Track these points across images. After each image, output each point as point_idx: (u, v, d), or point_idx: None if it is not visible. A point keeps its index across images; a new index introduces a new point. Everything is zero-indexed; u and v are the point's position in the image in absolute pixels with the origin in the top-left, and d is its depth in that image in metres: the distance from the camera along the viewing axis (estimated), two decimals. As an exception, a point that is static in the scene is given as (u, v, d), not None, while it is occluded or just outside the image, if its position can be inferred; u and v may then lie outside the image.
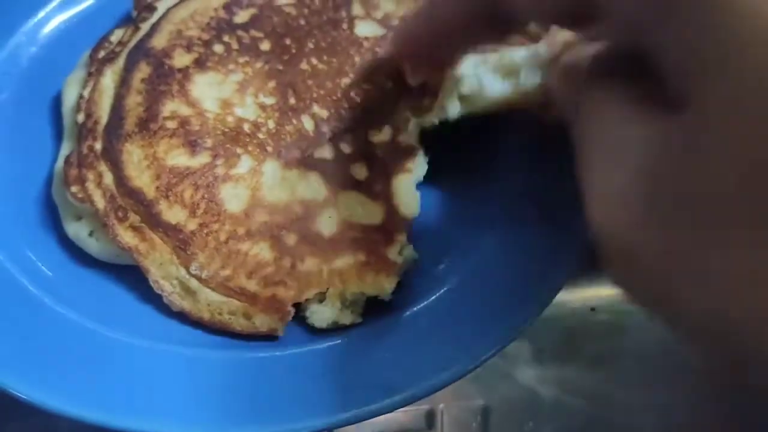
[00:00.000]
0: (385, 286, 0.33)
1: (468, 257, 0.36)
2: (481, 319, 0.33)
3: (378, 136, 0.38)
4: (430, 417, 0.43)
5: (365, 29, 0.42)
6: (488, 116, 0.36)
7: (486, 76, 0.35)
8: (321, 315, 0.33)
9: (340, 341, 0.33)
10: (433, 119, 0.36)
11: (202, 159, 0.36)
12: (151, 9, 0.42)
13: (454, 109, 0.35)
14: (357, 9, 0.43)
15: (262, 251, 0.34)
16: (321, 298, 0.33)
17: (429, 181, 0.38)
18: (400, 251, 0.35)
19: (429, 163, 0.38)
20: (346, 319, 0.33)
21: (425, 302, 0.34)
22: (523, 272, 0.34)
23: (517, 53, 0.34)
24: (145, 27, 0.41)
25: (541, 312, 0.33)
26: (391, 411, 0.31)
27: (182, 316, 0.33)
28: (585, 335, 0.47)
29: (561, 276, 0.34)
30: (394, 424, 0.43)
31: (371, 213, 0.36)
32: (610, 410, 0.45)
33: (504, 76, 0.35)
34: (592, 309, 0.47)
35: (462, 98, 0.35)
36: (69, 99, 0.39)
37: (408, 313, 0.34)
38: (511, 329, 0.32)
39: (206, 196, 0.35)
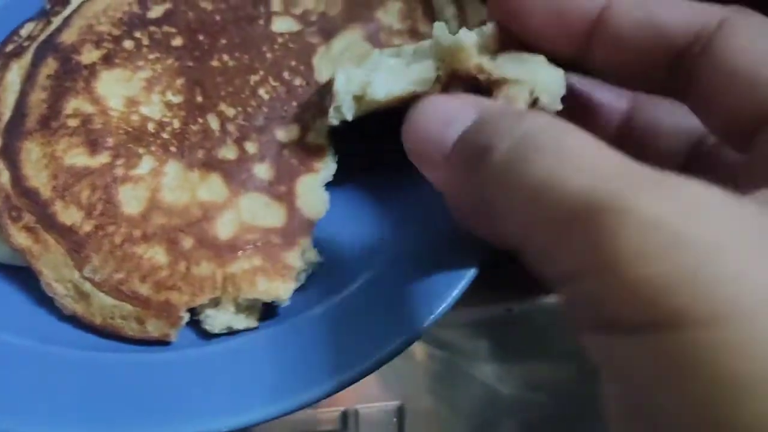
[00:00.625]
0: (279, 292, 0.33)
1: (373, 260, 0.35)
2: (383, 323, 0.33)
3: (285, 135, 0.37)
4: (344, 418, 0.43)
5: (282, 25, 0.42)
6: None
7: (376, 73, 0.34)
8: (215, 320, 0.33)
9: (234, 344, 0.33)
10: (331, 120, 0.35)
11: (102, 159, 0.35)
12: (65, 2, 0.41)
13: (348, 110, 0.35)
14: (276, 5, 0.43)
15: (158, 255, 0.33)
16: (215, 302, 0.33)
17: (339, 181, 0.38)
18: (301, 255, 0.34)
19: (339, 163, 0.37)
20: (241, 324, 0.33)
21: (325, 306, 0.34)
22: (429, 274, 0.34)
23: (414, 45, 0.34)
24: (56, 21, 0.41)
25: (446, 310, 0.33)
26: (280, 416, 0.31)
27: (75, 320, 0.33)
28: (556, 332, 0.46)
29: (468, 275, 0.34)
30: (309, 425, 0.43)
31: (273, 215, 0.35)
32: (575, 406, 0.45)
33: (395, 71, 0.34)
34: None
35: (356, 98, 0.34)
36: (-26, 94, 0.39)
37: (306, 317, 0.33)
38: (411, 334, 0.32)
39: (103, 197, 0.34)
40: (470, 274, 0.34)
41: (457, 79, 0.32)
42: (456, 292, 0.33)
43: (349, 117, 0.35)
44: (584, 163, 0.20)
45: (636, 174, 0.20)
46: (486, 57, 0.31)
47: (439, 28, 0.33)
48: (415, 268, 0.34)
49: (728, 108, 0.26)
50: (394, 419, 0.43)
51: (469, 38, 0.31)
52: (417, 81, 0.33)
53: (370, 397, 0.43)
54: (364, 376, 0.32)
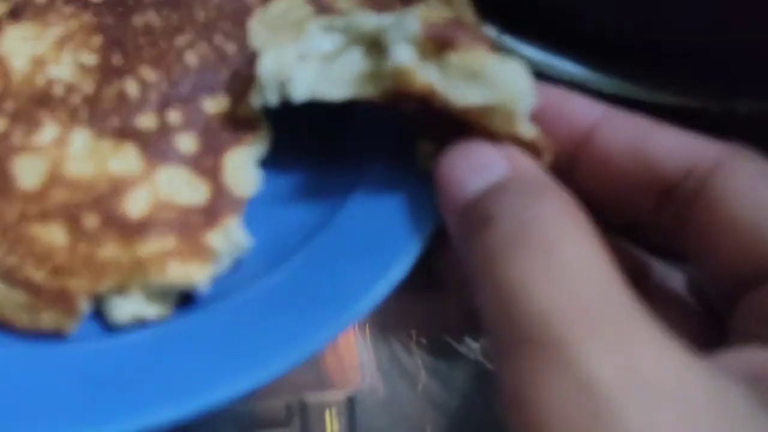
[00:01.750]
0: (193, 277, 0.29)
1: (311, 237, 0.31)
2: (312, 311, 0.29)
3: (214, 105, 0.33)
4: (290, 410, 0.39)
5: (216, -20, 0.37)
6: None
7: (298, 68, 0.29)
8: (120, 309, 0.29)
9: (142, 337, 0.29)
10: (253, 103, 0.31)
11: (-2, 126, 0.31)
12: (-27, -49, 0.37)
13: (272, 97, 0.30)
14: (212, -44, 0.38)
15: (56, 236, 0.29)
16: (122, 289, 0.29)
17: (274, 158, 0.33)
18: (226, 236, 0.30)
19: (275, 137, 0.33)
20: (152, 312, 0.29)
21: (250, 292, 0.30)
22: (365, 261, 0.30)
23: (345, 20, 0.30)
24: (-39, -29, 0.36)
25: (381, 298, 0.29)
26: (195, 418, 0.27)
27: (-41, 310, 0.29)
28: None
29: (407, 260, 0.30)
30: (253, 418, 0.39)
31: (195, 192, 0.31)
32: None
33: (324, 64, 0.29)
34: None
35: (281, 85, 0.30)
36: None
37: (226, 304, 0.29)
38: (342, 322, 0.28)
39: (-3, 169, 0.30)
40: (409, 260, 0.30)
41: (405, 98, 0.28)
42: (394, 278, 0.29)
43: (274, 103, 0.31)
44: (562, 286, 0.20)
45: (597, 316, 0.19)
46: (431, 71, 0.27)
47: (362, 18, 0.29)
48: (349, 255, 0.30)
49: (721, 259, 0.25)
50: (345, 409, 0.39)
51: (406, 56, 0.27)
52: (347, 82, 0.29)
53: (316, 385, 0.39)
54: (290, 368, 0.28)
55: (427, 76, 0.27)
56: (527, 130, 0.27)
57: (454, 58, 0.28)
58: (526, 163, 0.27)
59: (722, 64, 0.45)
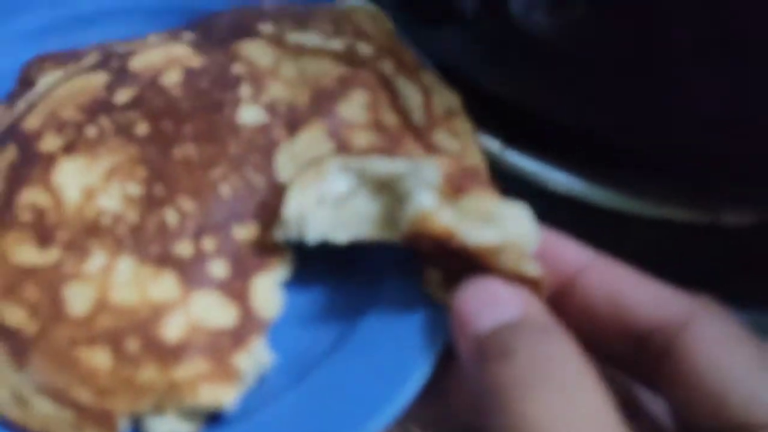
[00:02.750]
0: (222, 400, 0.32)
1: (327, 356, 0.34)
2: (336, 421, 0.32)
3: (243, 233, 0.37)
4: None
5: (249, 115, 0.41)
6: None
7: (312, 215, 0.34)
8: (156, 428, 0.32)
9: None
10: (277, 236, 0.35)
11: (52, 255, 0.35)
12: (31, 85, 0.41)
13: (295, 235, 0.35)
14: (245, 91, 0.42)
15: (101, 359, 0.32)
16: (158, 409, 0.32)
17: (298, 276, 0.37)
18: (251, 357, 0.33)
19: (299, 259, 0.37)
20: (184, 430, 0.32)
21: (273, 409, 0.33)
22: (384, 377, 0.33)
23: (381, 166, 0.34)
24: (21, 105, 0.41)
25: (400, 412, 0.32)
26: None
27: (11, 426, 0.32)
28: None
29: (419, 378, 0.32)
30: None
31: (225, 316, 0.34)
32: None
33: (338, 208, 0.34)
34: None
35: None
36: (-66, 180, 0.38)
37: (251, 423, 0.32)
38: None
39: (50, 296, 0.33)
40: (421, 378, 0.33)
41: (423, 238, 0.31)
42: (408, 395, 0.32)
43: (294, 240, 0.35)
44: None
45: None
46: (449, 214, 0.30)
47: (377, 162, 0.34)
48: (364, 373, 0.33)
49: (689, 411, 0.27)
50: None
51: (428, 202, 0.31)
52: (356, 226, 0.33)
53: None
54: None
55: (445, 219, 0.31)
56: (532, 268, 0.31)
57: (467, 202, 0.31)
58: (536, 304, 0.30)
59: (709, 177, 0.48)
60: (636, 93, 0.44)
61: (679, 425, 0.30)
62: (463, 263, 0.32)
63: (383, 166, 0.34)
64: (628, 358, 0.30)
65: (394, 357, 0.33)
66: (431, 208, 0.31)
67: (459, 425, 0.44)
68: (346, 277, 0.38)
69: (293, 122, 0.41)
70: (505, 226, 0.30)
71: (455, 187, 0.32)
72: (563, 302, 0.31)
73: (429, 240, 0.31)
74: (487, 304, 0.29)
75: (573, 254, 0.32)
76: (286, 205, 0.35)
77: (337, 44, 0.44)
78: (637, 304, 0.29)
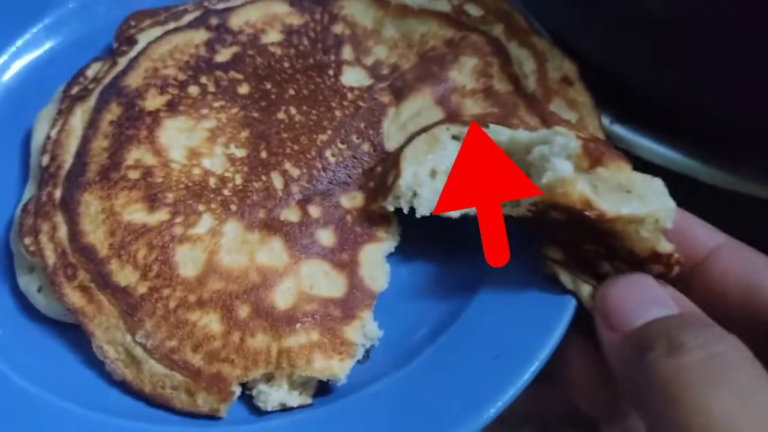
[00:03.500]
0: (336, 371, 0.31)
1: (435, 337, 0.33)
2: (435, 414, 0.30)
3: (349, 202, 0.36)
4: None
5: (352, 77, 0.40)
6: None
7: (424, 188, 0.33)
8: (268, 397, 0.31)
9: (287, 423, 0.31)
10: (387, 205, 0.34)
11: (161, 216, 0.34)
12: (132, 42, 0.41)
13: (406, 205, 0.34)
14: (347, 52, 0.41)
15: (212, 323, 0.32)
16: (269, 377, 0.31)
17: (402, 250, 0.36)
18: (361, 329, 0.32)
19: (403, 233, 0.36)
20: (294, 401, 0.31)
21: (377, 388, 0.31)
22: (486, 366, 0.31)
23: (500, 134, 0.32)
24: (122, 62, 0.40)
25: (515, 396, 0.30)
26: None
27: (123, 386, 0.32)
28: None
29: (541, 353, 0.31)
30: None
31: (334, 285, 0.33)
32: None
33: None
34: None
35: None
36: (38, 137, 0.38)
37: (358, 398, 0.31)
38: (475, 420, 0.30)
39: (160, 257, 0.33)
40: (539, 364, 0.31)
41: (554, 208, 0.30)
42: (524, 382, 0.31)
43: (406, 210, 0.34)
44: None
45: None
46: (586, 183, 0.29)
47: (495, 131, 0.32)
48: (480, 347, 0.32)
49: None
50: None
51: (567, 169, 0.29)
52: None
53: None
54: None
55: (583, 188, 0.29)
56: (665, 243, 0.29)
57: (603, 172, 0.29)
58: (689, 303, 0.29)
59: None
60: (750, 71, 0.41)
61: None
62: (587, 238, 0.30)
63: (506, 135, 0.32)
64: (755, 343, 0.29)
65: (510, 338, 0.32)
66: (570, 175, 0.29)
67: (562, 414, 0.42)
68: (456, 253, 0.36)
69: (399, 87, 0.39)
70: (646, 198, 0.29)
71: (592, 158, 0.30)
72: (692, 283, 0.30)
73: (562, 210, 0.29)
74: (641, 299, 0.28)
75: (705, 235, 0.31)
76: (400, 176, 0.33)
77: (443, 5, 0.42)
78: None
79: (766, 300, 0.29)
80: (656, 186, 0.29)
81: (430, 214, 0.33)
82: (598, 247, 0.30)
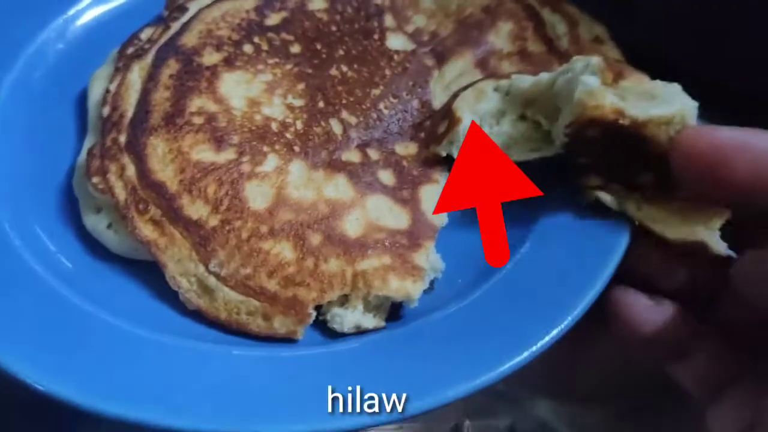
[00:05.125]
0: (410, 291, 0.32)
1: (493, 271, 0.34)
2: (506, 333, 0.31)
3: (403, 149, 0.37)
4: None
5: (396, 42, 0.42)
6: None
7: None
8: (343, 318, 0.32)
9: (358, 345, 0.31)
10: (441, 150, 0.36)
11: (228, 155, 0.35)
12: (183, 9, 0.42)
13: (456, 150, 0.36)
14: (389, 20, 0.43)
15: (285, 250, 0.32)
16: (343, 301, 0.32)
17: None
18: (426, 258, 0.33)
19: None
20: (369, 323, 0.32)
21: (447, 312, 0.32)
22: (550, 290, 0.32)
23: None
24: (175, 26, 0.41)
25: (569, 327, 0.32)
26: (403, 421, 0.29)
27: (198, 315, 0.32)
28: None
29: (590, 293, 0.32)
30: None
31: (398, 217, 0.35)
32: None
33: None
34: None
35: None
36: (95, 93, 0.39)
37: (429, 320, 0.32)
38: (535, 343, 0.31)
39: (230, 192, 0.34)
40: (598, 286, 0.32)
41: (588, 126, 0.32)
42: (583, 305, 0.32)
43: (455, 156, 0.36)
44: None
45: None
46: (614, 95, 0.31)
47: (519, 79, 0.35)
48: (540, 276, 0.33)
49: None
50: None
51: (594, 82, 0.31)
52: (509, 147, 0.35)
53: (481, 412, 0.41)
54: (490, 385, 0.30)
55: (611, 98, 0.31)
56: None
57: (627, 84, 0.32)
58: None
59: None
60: None
61: None
62: (622, 152, 0.32)
63: (528, 80, 0.35)
64: None
65: (571, 265, 0.33)
66: (599, 87, 0.31)
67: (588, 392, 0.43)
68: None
69: (440, 51, 0.41)
70: (670, 100, 0.31)
71: (615, 73, 0.32)
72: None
73: (597, 125, 0.31)
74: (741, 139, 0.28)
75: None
76: (460, 122, 0.35)
77: (477, -24, 0.44)
78: None
79: None
80: (676, 89, 0.32)
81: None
82: (633, 160, 0.32)
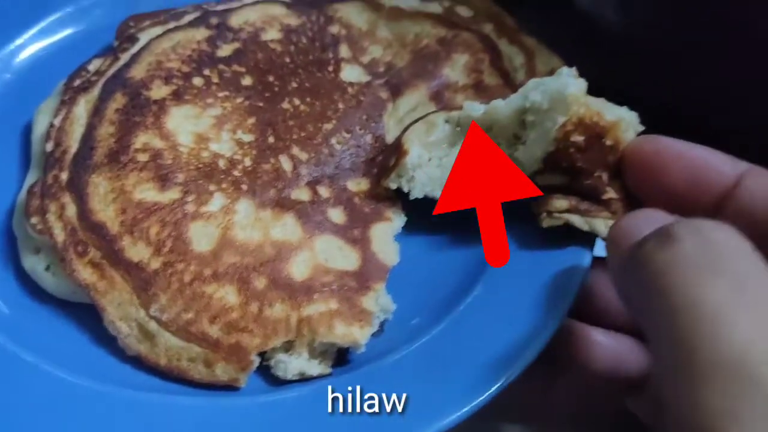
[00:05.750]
0: (357, 337, 0.31)
1: (447, 311, 0.34)
2: (456, 380, 0.31)
3: (355, 186, 0.37)
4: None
5: (351, 74, 0.41)
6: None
7: (420, 170, 0.35)
8: (287, 365, 0.31)
9: (303, 393, 0.31)
10: (390, 183, 0.36)
11: (172, 195, 0.34)
12: (133, 39, 0.41)
13: (404, 186, 0.35)
14: (344, 51, 0.42)
15: (228, 295, 0.32)
16: (288, 347, 0.31)
17: (408, 230, 0.37)
18: (376, 300, 0.33)
19: (409, 214, 0.37)
20: (314, 370, 0.31)
21: (396, 356, 0.32)
22: (503, 333, 0.32)
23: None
24: (124, 57, 0.40)
25: (521, 370, 0.31)
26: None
27: (137, 361, 0.31)
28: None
29: (544, 334, 0.32)
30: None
31: (348, 258, 0.34)
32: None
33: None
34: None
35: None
36: (39, 127, 0.38)
37: (378, 366, 0.31)
38: (486, 391, 0.30)
39: (173, 233, 0.33)
40: (551, 326, 0.32)
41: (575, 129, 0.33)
42: (536, 347, 0.31)
43: (405, 190, 0.35)
44: (761, 324, 0.21)
45: None
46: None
47: (470, 107, 0.35)
48: (491, 319, 0.33)
49: None
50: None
51: (582, 83, 0.33)
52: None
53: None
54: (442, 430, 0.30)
55: (592, 102, 0.33)
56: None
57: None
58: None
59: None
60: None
61: None
62: (596, 160, 0.33)
63: (479, 108, 0.35)
64: None
65: (521, 307, 0.33)
66: (584, 91, 0.33)
67: (560, 416, 0.43)
68: (465, 228, 0.37)
69: (395, 84, 0.41)
70: (615, 110, 0.33)
71: None
72: (723, 212, 0.30)
73: (581, 129, 0.32)
74: (647, 219, 0.28)
75: (728, 164, 0.31)
76: (407, 155, 0.35)
77: (435, 7, 0.44)
78: None
79: None
80: (614, 105, 0.34)
81: (423, 197, 0.35)
82: (603, 169, 0.33)
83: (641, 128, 0.33)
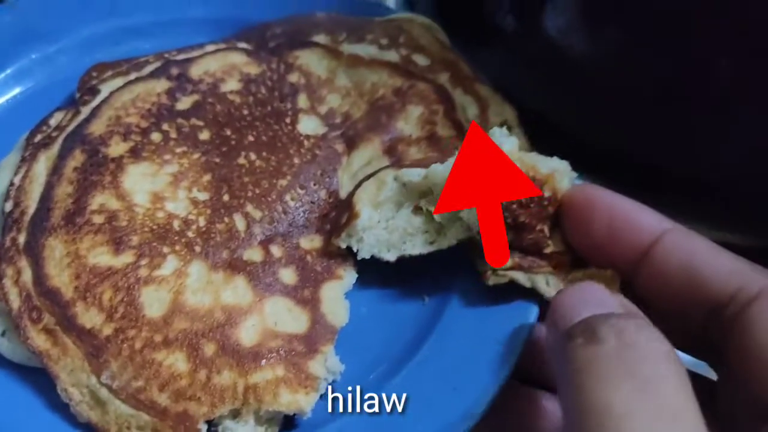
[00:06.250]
0: (302, 405, 0.32)
1: (398, 370, 0.34)
2: None
3: (308, 243, 0.37)
4: None
5: (308, 125, 0.42)
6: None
7: (369, 232, 0.36)
8: (235, 433, 0.32)
9: None
10: (341, 243, 0.37)
11: (126, 258, 0.35)
12: (95, 91, 0.42)
13: (356, 244, 0.36)
14: (302, 101, 0.43)
15: (178, 362, 0.33)
16: (235, 413, 0.32)
17: (361, 287, 0.37)
18: (324, 363, 0.34)
19: (361, 272, 0.37)
20: None
21: (348, 417, 0.33)
22: (447, 397, 0.33)
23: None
24: (85, 111, 0.41)
25: (478, 417, 0.32)
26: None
27: (89, 429, 0.32)
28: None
29: (492, 386, 0.33)
30: None
31: (297, 320, 0.35)
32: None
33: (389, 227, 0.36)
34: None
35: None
36: (0, 184, 0.39)
37: (327, 429, 0.32)
38: None
39: (126, 299, 0.34)
40: (493, 390, 0.33)
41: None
42: (479, 410, 0.32)
43: (355, 249, 0.36)
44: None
45: None
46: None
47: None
48: (439, 378, 0.33)
49: (748, 385, 0.27)
50: None
51: (514, 140, 0.34)
52: (398, 246, 0.36)
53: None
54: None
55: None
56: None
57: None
58: (633, 307, 0.30)
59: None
60: (676, 121, 0.43)
61: (736, 404, 0.29)
62: (534, 218, 0.34)
63: (417, 173, 0.36)
64: (697, 332, 0.30)
65: (467, 367, 0.33)
66: (516, 144, 0.34)
67: None
68: (415, 287, 0.38)
69: (351, 136, 0.41)
70: (548, 162, 0.34)
71: None
72: (639, 272, 0.31)
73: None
74: (584, 299, 0.29)
75: (652, 222, 0.31)
76: (358, 216, 0.36)
77: (392, 55, 0.44)
78: (713, 273, 0.29)
79: (704, 285, 0.29)
80: (545, 157, 0.35)
81: (370, 257, 0.36)
82: (543, 222, 0.34)
83: (575, 175, 0.34)
